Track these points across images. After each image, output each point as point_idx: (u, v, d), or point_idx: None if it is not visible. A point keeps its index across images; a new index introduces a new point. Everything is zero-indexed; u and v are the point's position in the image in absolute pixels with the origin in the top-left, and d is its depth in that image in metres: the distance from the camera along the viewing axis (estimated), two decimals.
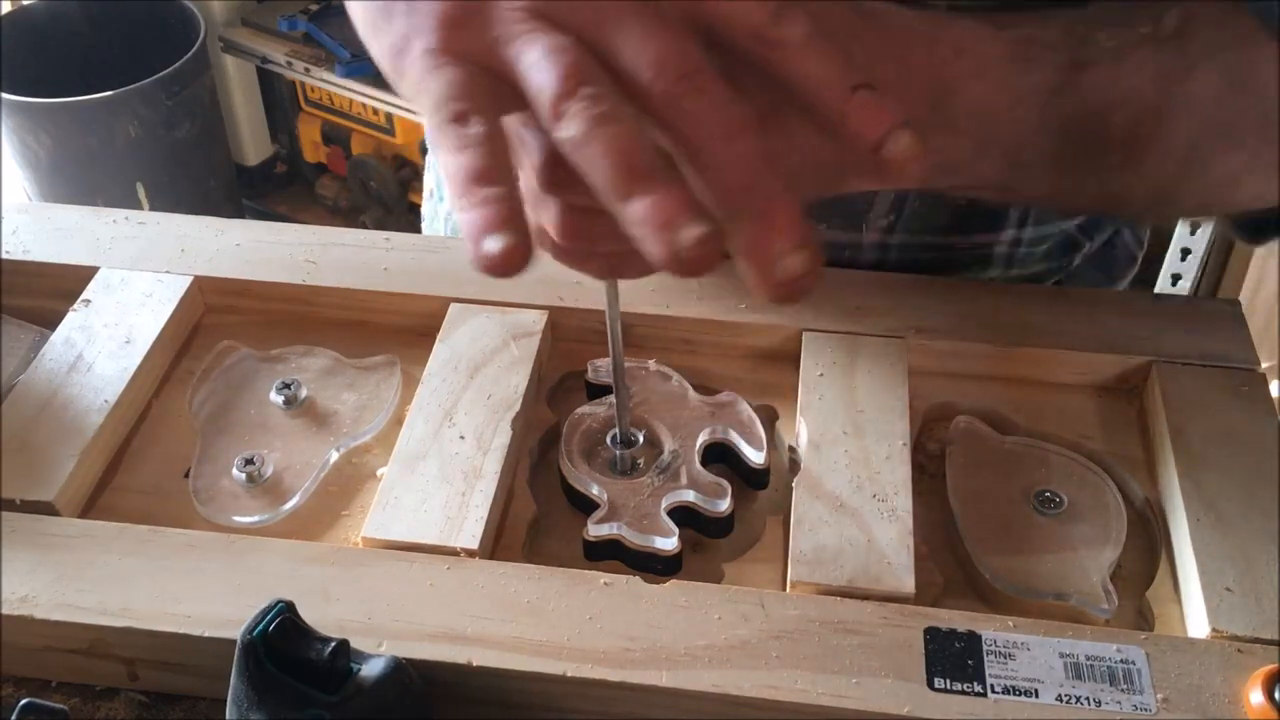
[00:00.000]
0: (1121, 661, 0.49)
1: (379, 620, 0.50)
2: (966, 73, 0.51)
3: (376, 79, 2.02)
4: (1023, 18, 0.53)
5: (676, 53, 0.39)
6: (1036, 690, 0.48)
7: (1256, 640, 0.50)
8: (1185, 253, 1.53)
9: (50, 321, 0.65)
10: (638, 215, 0.38)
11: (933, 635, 0.50)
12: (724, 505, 0.55)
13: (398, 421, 0.60)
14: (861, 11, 0.49)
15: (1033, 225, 0.71)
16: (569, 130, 0.38)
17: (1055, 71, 0.52)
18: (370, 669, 0.46)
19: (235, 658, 0.45)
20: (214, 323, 0.68)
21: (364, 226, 2.10)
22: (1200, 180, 0.55)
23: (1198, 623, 0.51)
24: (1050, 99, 0.52)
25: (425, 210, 0.91)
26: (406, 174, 2.19)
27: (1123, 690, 0.48)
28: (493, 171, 0.39)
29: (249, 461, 0.59)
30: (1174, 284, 1.57)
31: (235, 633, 0.45)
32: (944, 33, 0.51)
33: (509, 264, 0.38)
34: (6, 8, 2.13)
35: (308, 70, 2.07)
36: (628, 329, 0.65)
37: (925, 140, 0.41)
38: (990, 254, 0.72)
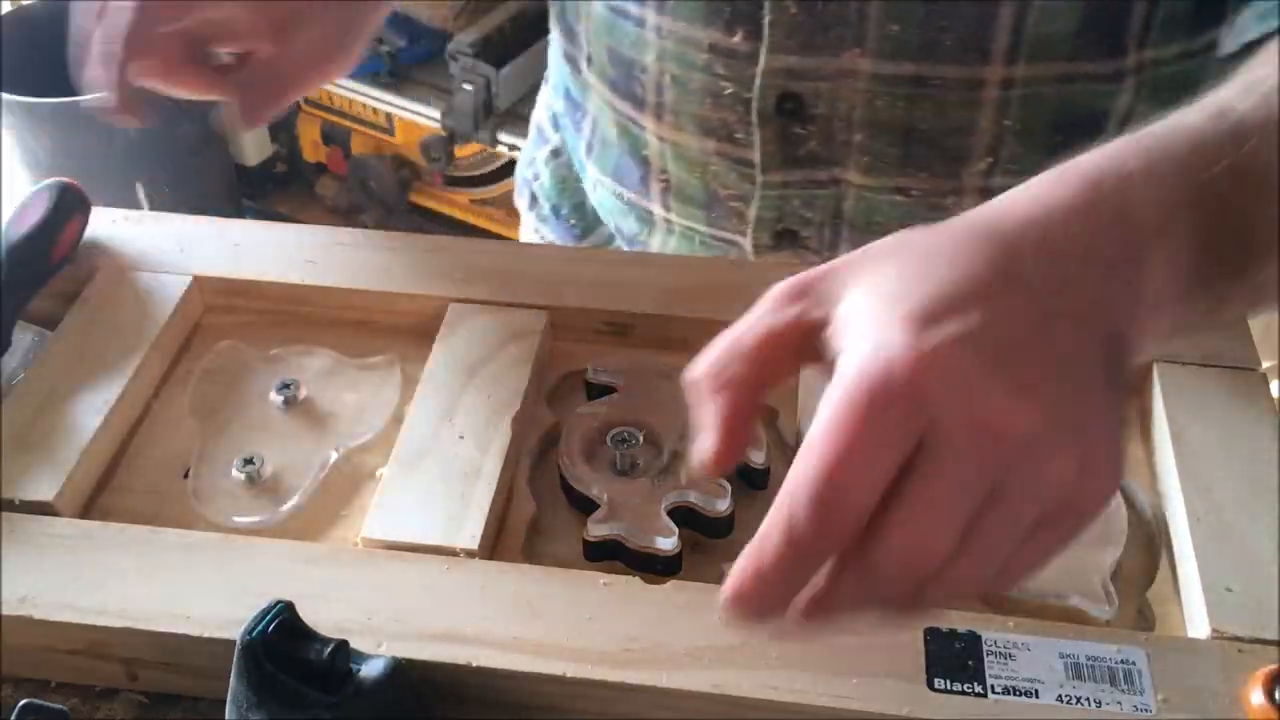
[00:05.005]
0: (1122, 662, 0.49)
1: (379, 620, 0.50)
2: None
3: (376, 79, 2.02)
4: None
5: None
6: (1036, 691, 0.48)
7: (1257, 640, 0.50)
8: None
9: (50, 321, 0.65)
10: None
11: (933, 635, 0.50)
12: (724, 505, 0.55)
13: (398, 421, 0.60)
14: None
15: None
16: None
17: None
18: (370, 669, 0.46)
19: (235, 658, 0.45)
20: (214, 323, 0.68)
21: (364, 226, 2.10)
22: None
23: (1198, 623, 0.51)
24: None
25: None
26: (406, 174, 2.19)
27: (1123, 691, 0.48)
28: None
29: (248, 461, 0.58)
30: None
31: (235, 633, 0.45)
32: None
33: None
34: (6, 8, 2.13)
35: None
36: (628, 329, 0.65)
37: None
38: None
